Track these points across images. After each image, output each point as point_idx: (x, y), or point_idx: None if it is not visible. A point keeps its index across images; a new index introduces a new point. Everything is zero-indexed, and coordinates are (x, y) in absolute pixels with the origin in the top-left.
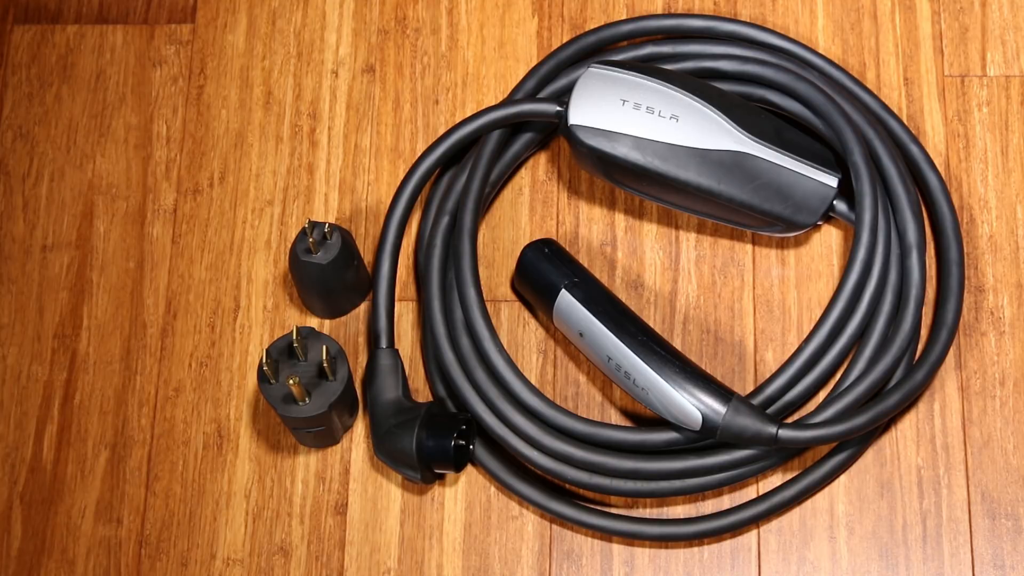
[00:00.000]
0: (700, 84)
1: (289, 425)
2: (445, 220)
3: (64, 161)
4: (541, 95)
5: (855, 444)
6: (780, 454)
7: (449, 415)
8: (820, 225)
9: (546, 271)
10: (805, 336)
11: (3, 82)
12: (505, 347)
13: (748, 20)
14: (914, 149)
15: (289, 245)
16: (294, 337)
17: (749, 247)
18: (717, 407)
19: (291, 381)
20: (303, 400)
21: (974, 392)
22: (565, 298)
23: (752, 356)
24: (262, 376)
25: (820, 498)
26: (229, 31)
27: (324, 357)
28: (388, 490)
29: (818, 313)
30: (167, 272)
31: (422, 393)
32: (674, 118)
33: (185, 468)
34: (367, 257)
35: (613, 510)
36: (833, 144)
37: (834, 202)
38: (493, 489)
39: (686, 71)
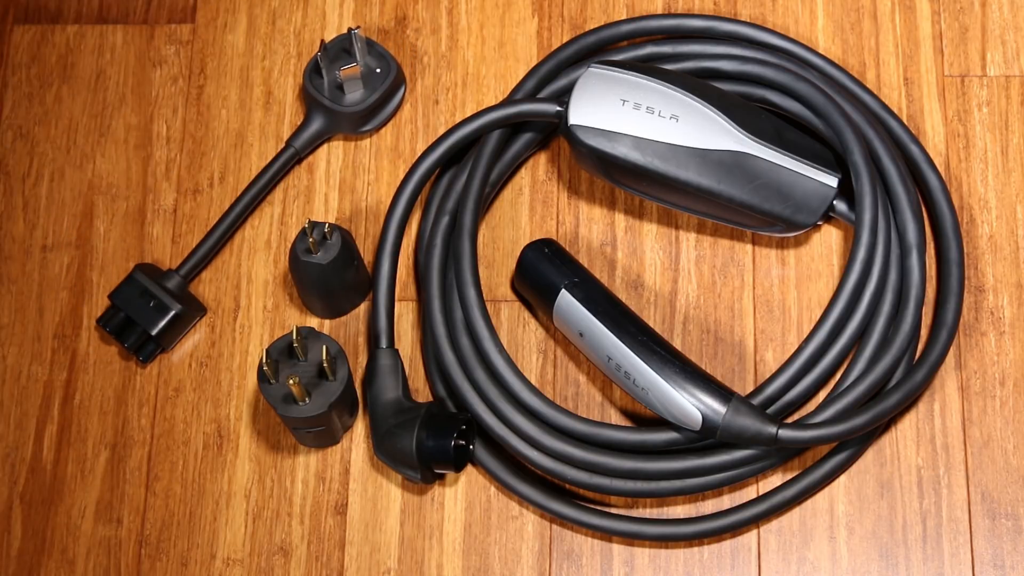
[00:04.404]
0: (700, 84)
1: (289, 425)
2: (445, 220)
3: (64, 161)
4: (541, 95)
5: (855, 444)
6: (780, 454)
7: (449, 415)
8: (820, 225)
9: (546, 271)
10: (805, 336)
11: (3, 82)
12: (505, 347)
13: (748, 20)
14: (914, 149)
15: (289, 245)
16: (294, 337)
17: (749, 247)
18: (717, 407)
19: (291, 381)
20: (303, 400)
21: (974, 392)
22: (565, 298)
23: (752, 356)
24: (262, 376)
25: (820, 498)
26: (229, 31)
27: (324, 357)
28: (388, 490)
29: (818, 313)
30: None
31: (422, 393)
32: (674, 118)
33: (185, 468)
34: (367, 257)
35: (613, 510)
36: (833, 144)
37: (834, 202)
38: (493, 489)
39: (686, 71)
